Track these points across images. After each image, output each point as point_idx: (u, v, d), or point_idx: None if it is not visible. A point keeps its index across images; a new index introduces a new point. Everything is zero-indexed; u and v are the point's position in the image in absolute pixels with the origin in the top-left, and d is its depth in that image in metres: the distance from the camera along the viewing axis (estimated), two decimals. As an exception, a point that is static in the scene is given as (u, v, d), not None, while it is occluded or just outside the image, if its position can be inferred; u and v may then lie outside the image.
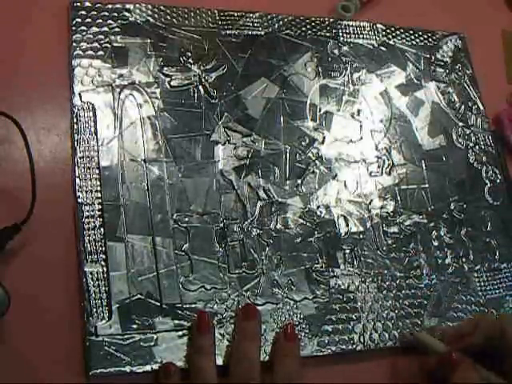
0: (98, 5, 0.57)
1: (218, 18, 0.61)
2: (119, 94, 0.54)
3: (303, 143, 0.60)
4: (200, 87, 0.58)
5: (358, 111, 0.64)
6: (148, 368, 0.47)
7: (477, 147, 0.67)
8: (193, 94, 0.57)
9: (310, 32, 0.65)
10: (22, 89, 0.53)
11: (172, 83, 0.57)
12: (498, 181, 0.66)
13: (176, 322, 0.49)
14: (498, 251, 0.62)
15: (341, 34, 0.66)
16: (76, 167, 0.51)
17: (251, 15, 0.63)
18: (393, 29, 0.69)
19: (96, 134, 0.52)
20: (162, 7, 0.59)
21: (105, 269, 0.48)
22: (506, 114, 0.70)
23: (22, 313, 0.45)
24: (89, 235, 0.49)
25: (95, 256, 0.48)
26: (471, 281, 0.60)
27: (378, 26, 0.69)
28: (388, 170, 0.62)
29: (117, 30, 0.57)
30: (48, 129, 0.53)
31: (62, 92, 0.54)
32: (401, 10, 0.71)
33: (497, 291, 0.60)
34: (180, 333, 0.48)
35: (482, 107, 0.69)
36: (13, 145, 0.51)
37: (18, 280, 0.46)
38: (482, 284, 0.60)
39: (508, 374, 0.50)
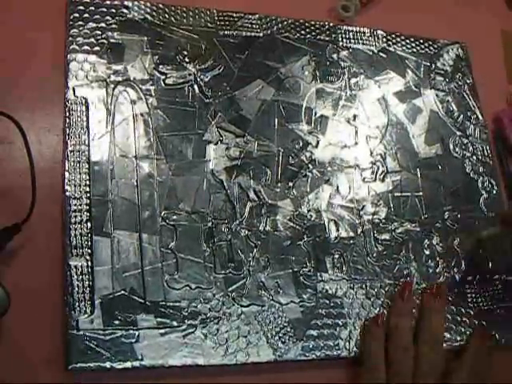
0: (97, 1, 0.57)
1: (216, 18, 0.61)
2: (113, 89, 0.54)
3: (297, 146, 0.59)
4: (195, 86, 0.58)
5: (354, 116, 0.63)
6: (128, 365, 0.46)
7: (474, 157, 0.67)
8: (187, 93, 0.57)
9: (309, 36, 0.65)
10: (22, 89, 0.53)
11: (167, 81, 0.57)
12: (495, 192, 0.66)
13: (159, 319, 0.48)
14: (491, 262, 0.62)
15: (340, 39, 0.66)
16: (66, 161, 0.51)
17: (250, 17, 0.63)
18: (393, 35, 0.69)
19: (88, 128, 0.52)
20: (160, 5, 0.59)
21: (89, 263, 0.48)
22: (506, 114, 0.69)
23: (21, 313, 0.45)
24: (75, 229, 0.49)
25: (80, 250, 0.48)
26: (462, 291, 0.59)
27: (379, 32, 0.68)
28: (382, 176, 0.62)
29: (114, 26, 0.57)
30: (48, 129, 0.53)
31: (62, 92, 0.53)
32: (401, 15, 0.71)
33: (488, 303, 0.60)
34: (162, 330, 0.48)
35: (480, 117, 0.69)
36: (13, 145, 0.51)
37: (18, 280, 0.46)
38: (474, 295, 0.60)
39: None
